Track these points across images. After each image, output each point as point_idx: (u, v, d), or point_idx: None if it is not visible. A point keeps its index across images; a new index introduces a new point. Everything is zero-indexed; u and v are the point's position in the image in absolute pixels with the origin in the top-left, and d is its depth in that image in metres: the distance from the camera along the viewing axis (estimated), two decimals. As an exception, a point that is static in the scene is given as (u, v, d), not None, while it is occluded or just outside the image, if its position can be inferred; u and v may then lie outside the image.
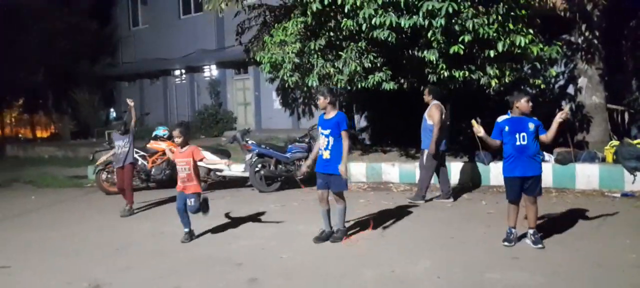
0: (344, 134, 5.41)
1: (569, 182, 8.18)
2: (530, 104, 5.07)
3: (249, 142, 9.44)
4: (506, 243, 5.20)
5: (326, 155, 5.48)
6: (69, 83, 21.27)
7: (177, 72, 21.12)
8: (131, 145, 7.65)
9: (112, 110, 23.05)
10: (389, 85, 8.65)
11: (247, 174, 9.35)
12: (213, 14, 13.27)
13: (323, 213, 5.71)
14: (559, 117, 5.01)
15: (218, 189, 9.55)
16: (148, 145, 9.92)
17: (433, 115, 7.24)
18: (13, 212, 8.21)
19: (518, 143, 5.05)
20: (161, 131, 10.04)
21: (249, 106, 18.82)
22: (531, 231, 5.19)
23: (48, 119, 25.10)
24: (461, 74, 8.14)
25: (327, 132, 5.46)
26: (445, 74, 8.17)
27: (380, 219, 6.54)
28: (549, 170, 8.32)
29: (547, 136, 5.09)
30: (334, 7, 8.58)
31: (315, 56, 9.11)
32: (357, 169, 9.71)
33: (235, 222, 6.65)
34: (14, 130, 26.79)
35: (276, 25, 10.25)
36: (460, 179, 8.91)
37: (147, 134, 13.34)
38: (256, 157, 9.21)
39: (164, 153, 9.60)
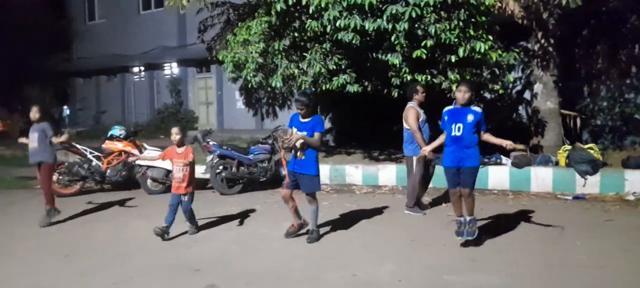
0: (317, 135, 5.53)
1: (524, 185, 8.43)
2: (466, 94, 5.15)
3: (211, 142, 9.24)
4: (459, 237, 5.24)
5: (301, 155, 5.52)
6: (20, 78, 20.27)
7: (136, 69, 20.53)
8: (45, 142, 6.70)
9: (65, 107, 22.16)
10: (353, 88, 8.69)
11: (207, 176, 9.15)
12: (174, 10, 12.96)
13: (291, 210, 5.78)
14: (507, 146, 5.11)
15: (178, 191, 9.30)
16: (103, 145, 9.55)
17: (407, 117, 6.92)
18: (-45, 215, 7.73)
19: (453, 133, 5.17)
20: (118, 131, 9.68)
21: (211, 106, 18.50)
22: (468, 218, 5.21)
23: (-4, 115, 23.85)
24: (424, 78, 8.25)
25: (303, 133, 5.49)
26: (408, 78, 8.26)
27: (344, 222, 6.53)
28: (505, 173, 8.56)
29: (484, 137, 5.21)
30: (298, 7, 8.54)
31: (280, 57, 9.05)
32: (320, 171, 9.66)
33: (195, 226, 6.49)
34: (-42, 128, 25.33)
35: (240, 24, 10.11)
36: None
37: (103, 133, 12.87)
38: (218, 159, 9.03)
39: (120, 154, 9.29)
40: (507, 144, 5.14)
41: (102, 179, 9.34)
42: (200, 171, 9.25)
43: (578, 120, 10.78)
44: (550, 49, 9.63)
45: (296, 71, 8.85)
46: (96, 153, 9.35)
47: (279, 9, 8.41)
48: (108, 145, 9.51)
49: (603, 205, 7.32)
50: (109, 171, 9.30)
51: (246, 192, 8.96)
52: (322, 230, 5.95)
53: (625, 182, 7.85)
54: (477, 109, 5.25)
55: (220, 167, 8.99)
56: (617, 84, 10.66)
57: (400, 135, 7.12)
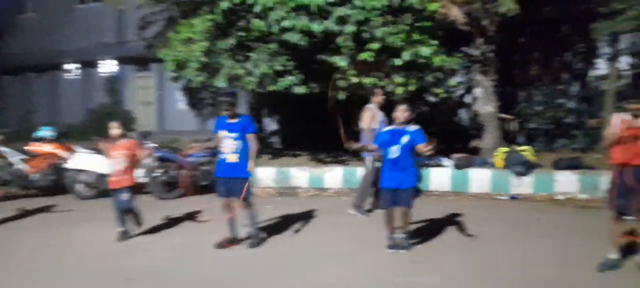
0: (251, 136, 5.28)
1: (464, 186, 8.65)
2: (405, 114, 5.13)
3: (149, 144, 8.82)
4: (390, 250, 5.23)
5: (233, 158, 5.26)
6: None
7: (70, 66, 19.36)
8: None
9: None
10: (299, 90, 8.58)
11: (145, 180, 8.72)
12: (113, 5, 12.32)
13: (229, 221, 5.45)
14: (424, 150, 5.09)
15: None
16: (28, 147, 8.86)
17: (361, 118, 6.93)
18: None
19: (391, 155, 5.16)
20: (46, 132, 9.03)
21: (151, 106, 17.78)
22: (403, 235, 5.27)
23: None
24: (369, 81, 8.28)
25: (234, 135, 5.26)
26: (354, 80, 8.26)
27: (288, 225, 6.41)
28: (447, 175, 8.74)
29: (420, 150, 5.14)
30: (244, 6, 8.34)
31: (224, 56, 8.78)
32: (265, 174, 9.49)
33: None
34: None
35: (183, 21, 9.73)
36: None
37: (30, 134, 11.98)
38: (156, 162, 8.62)
39: (48, 157, 8.66)
40: (425, 149, 5.05)
41: (26, 184, 8.67)
42: (137, 174, 8.82)
43: (515, 124, 11.23)
44: (491, 54, 9.96)
45: (241, 71, 8.62)
46: (22, 156, 8.68)
47: (224, 7, 8.16)
48: (34, 147, 8.85)
49: (535, 205, 7.68)
50: (35, 175, 8.65)
51: (186, 196, 8.61)
52: (265, 234, 5.77)
53: (556, 183, 8.24)
54: (414, 128, 5.19)
55: (159, 170, 8.60)
56: (550, 90, 11.22)
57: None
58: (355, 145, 5.76)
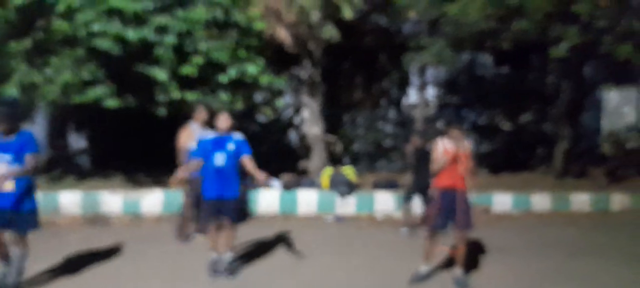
0: (30, 158, 4.26)
1: (293, 208, 8.59)
2: (227, 122, 4.94)
3: None
4: (212, 277, 4.93)
5: (9, 186, 4.20)
6: None
7: None
8: None
9: None
10: (111, 102, 7.61)
11: None
12: None
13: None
14: (260, 181, 4.94)
15: None
16: None
17: (178, 136, 6.45)
18: None
19: (216, 163, 4.92)
20: None
21: None
22: (227, 256, 5.05)
23: None
24: (193, 96, 7.74)
25: (8, 157, 4.22)
26: (176, 96, 7.64)
27: (92, 260, 5.48)
28: (275, 197, 8.59)
29: (246, 164, 4.97)
30: (44, 4, 7.15)
31: (17, 60, 7.40)
32: (69, 198, 8.15)
33: None
34: None
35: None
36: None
37: None
38: None
39: None
40: (260, 178, 4.92)
41: None
42: None
43: (339, 145, 11.73)
44: (317, 77, 10.25)
45: (39, 79, 7.33)
46: None
47: (18, 2, 6.88)
48: None
49: (358, 224, 7.98)
50: None
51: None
52: (62, 272, 4.79)
53: (375, 202, 8.70)
54: (239, 137, 5.05)
55: None
56: (371, 114, 12.04)
57: (171, 157, 6.55)
58: (177, 179, 5.22)
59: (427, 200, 6.91)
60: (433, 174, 4.96)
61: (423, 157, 6.83)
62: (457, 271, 4.89)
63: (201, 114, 6.47)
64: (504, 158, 11.59)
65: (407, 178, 7.40)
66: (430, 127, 10.76)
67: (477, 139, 11.96)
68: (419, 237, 6.04)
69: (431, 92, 12.19)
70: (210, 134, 5.20)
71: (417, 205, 7.24)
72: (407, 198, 7.27)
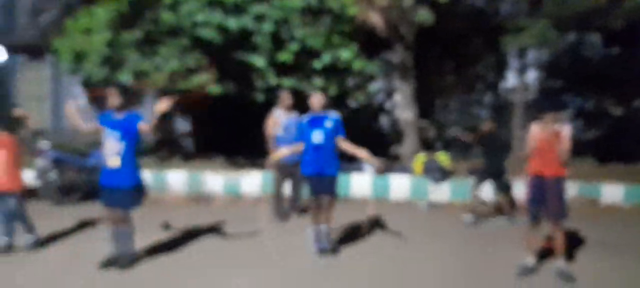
0: (142, 124, 4.52)
1: (385, 192, 8.58)
2: (321, 101, 5.07)
3: (42, 144, 7.83)
4: (316, 249, 5.05)
5: (115, 163, 4.50)
6: None
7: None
8: None
9: None
10: (214, 89, 8.03)
11: (37, 184, 7.73)
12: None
13: (114, 234, 4.69)
14: (363, 158, 5.02)
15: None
16: None
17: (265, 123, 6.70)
18: None
19: (314, 141, 5.00)
20: None
21: (44, 101, 16.07)
22: (327, 228, 5.10)
23: None
24: (289, 83, 7.94)
25: (117, 134, 4.51)
26: (274, 82, 7.88)
27: (195, 236, 5.86)
28: (367, 181, 8.61)
29: (341, 145, 5.05)
30: (153, -4, 7.69)
31: (130, 49, 8.03)
32: (176, 178, 8.79)
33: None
34: None
35: (83, 9, 8.79)
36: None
37: None
38: (50, 164, 7.65)
39: None
40: (363, 155, 5.02)
41: None
42: (29, 177, 7.78)
43: (432, 130, 11.47)
44: (409, 62, 10.06)
45: (149, 67, 7.91)
46: None
47: (130, -4, 7.45)
48: None
49: (451, 211, 7.74)
50: None
51: (85, 202, 7.71)
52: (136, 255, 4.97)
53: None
54: (335, 115, 5.13)
55: (54, 174, 7.64)
56: (464, 99, 11.60)
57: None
58: (271, 160, 5.49)
59: (499, 186, 6.69)
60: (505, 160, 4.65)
61: (494, 142, 6.58)
62: (560, 262, 4.59)
63: (285, 99, 6.64)
64: (613, 147, 10.65)
65: (477, 164, 7.07)
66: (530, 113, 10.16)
67: (583, 125, 11.09)
68: (518, 226, 5.73)
69: (531, 76, 11.46)
70: (304, 117, 5.27)
71: (488, 191, 6.93)
72: (478, 185, 6.95)
